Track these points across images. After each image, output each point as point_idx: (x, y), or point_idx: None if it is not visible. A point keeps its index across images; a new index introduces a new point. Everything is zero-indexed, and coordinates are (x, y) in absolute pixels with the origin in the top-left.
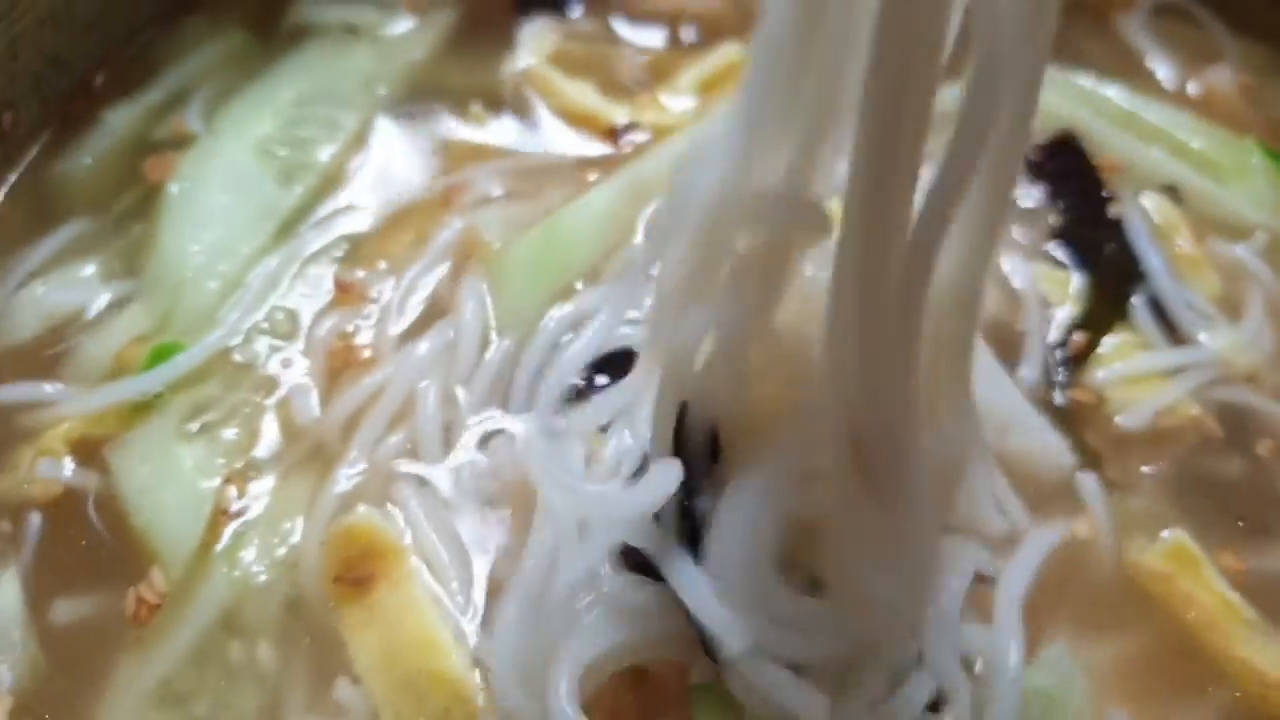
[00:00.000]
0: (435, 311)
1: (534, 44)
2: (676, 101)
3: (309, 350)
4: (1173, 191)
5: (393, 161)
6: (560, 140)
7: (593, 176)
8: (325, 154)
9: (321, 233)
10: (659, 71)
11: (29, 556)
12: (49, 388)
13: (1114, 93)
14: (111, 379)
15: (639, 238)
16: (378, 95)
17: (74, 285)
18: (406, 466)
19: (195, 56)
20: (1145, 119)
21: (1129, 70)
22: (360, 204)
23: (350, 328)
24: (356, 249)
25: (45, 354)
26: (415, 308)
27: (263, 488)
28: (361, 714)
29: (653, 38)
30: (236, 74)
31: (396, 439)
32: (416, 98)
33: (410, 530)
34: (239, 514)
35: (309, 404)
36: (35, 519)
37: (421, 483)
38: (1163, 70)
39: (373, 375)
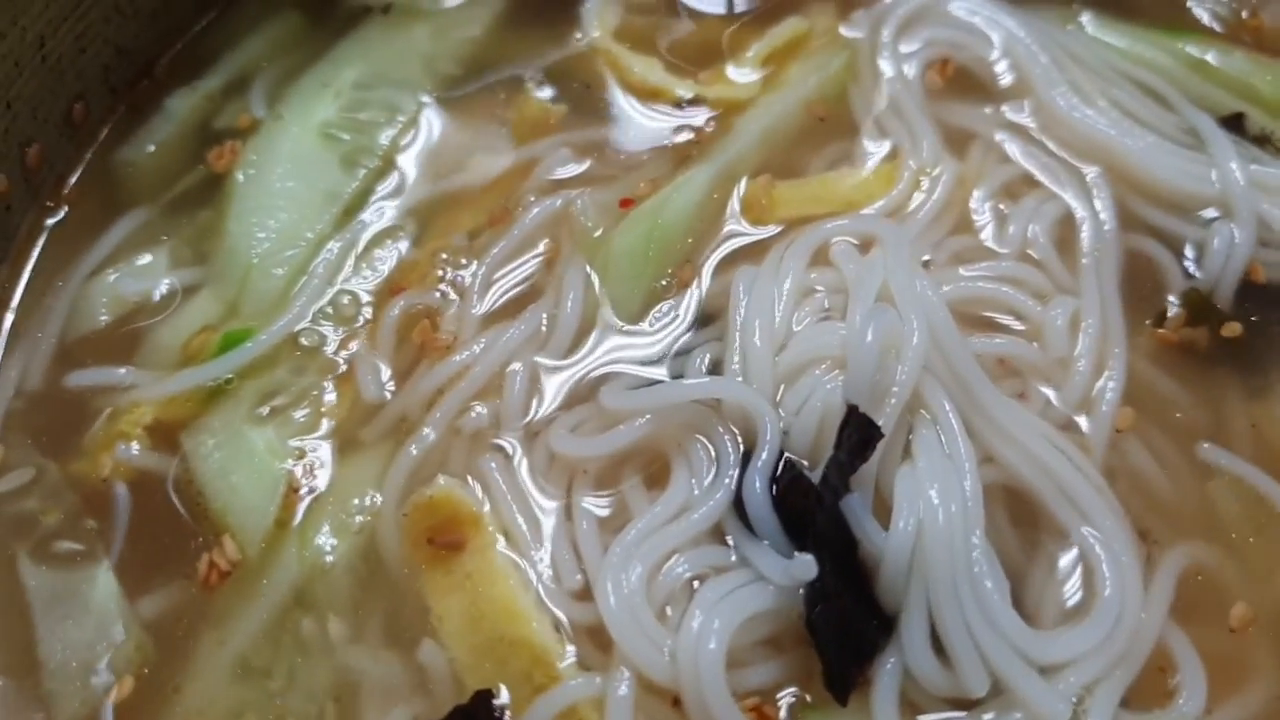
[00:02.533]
0: (523, 294)
1: (598, 18)
2: (741, 75)
3: (377, 331)
4: (1265, 142)
5: (454, 142)
6: (626, 115)
7: (662, 150)
8: (386, 137)
9: (386, 216)
10: (721, 45)
11: (118, 547)
12: (123, 372)
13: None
14: (182, 365)
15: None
16: (437, 75)
17: (143, 273)
18: (491, 439)
19: (253, 40)
20: (1213, 65)
21: (1176, 13)
22: (423, 186)
23: (422, 308)
24: (423, 231)
25: (118, 340)
26: (499, 289)
27: (334, 466)
28: (444, 676)
29: (713, 10)
30: (295, 57)
31: (479, 414)
32: (475, 75)
33: (489, 501)
34: (311, 492)
35: (379, 384)
36: (120, 510)
37: (505, 456)
38: (1210, 10)
39: (459, 354)
